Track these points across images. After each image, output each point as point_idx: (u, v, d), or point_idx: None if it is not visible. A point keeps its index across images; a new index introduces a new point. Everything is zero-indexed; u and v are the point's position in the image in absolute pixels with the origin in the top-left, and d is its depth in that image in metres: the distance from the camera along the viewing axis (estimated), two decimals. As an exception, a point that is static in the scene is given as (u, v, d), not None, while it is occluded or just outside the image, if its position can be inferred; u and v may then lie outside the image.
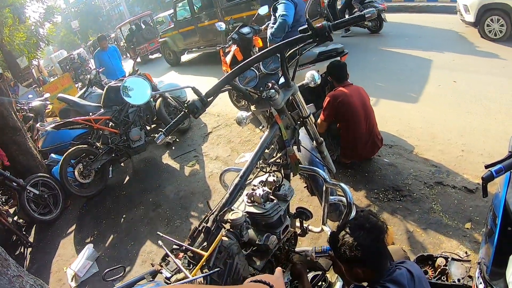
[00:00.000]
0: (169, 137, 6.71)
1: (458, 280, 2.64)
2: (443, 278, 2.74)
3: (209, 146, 6.19)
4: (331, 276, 2.70)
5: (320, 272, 2.49)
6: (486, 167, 1.94)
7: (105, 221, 5.13)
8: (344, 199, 2.27)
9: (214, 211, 1.85)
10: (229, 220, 1.85)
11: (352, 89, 3.99)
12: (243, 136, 5.95)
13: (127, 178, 6.14)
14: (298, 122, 2.35)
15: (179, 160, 6.10)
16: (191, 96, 7.79)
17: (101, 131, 5.73)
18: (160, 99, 6.33)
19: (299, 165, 2.26)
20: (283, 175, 2.09)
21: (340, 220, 2.68)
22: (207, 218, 1.84)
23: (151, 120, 6.44)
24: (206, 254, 1.68)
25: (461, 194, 3.62)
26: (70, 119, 5.49)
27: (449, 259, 2.80)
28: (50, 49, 40.83)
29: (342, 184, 2.11)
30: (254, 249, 2.06)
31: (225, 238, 1.80)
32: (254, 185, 2.07)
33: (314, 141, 2.72)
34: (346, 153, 4.19)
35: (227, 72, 5.48)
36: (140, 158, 6.46)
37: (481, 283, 1.98)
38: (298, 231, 2.46)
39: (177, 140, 6.69)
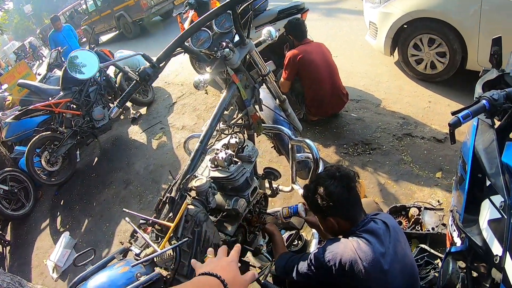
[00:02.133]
0: (134, 112, 6.61)
1: (432, 228, 2.69)
2: (417, 228, 2.79)
3: (175, 116, 6.08)
4: (306, 234, 2.70)
5: (293, 232, 2.49)
6: (453, 113, 1.89)
7: (78, 206, 5.01)
8: (310, 155, 2.23)
9: (177, 180, 1.78)
10: (193, 188, 1.79)
11: (313, 46, 3.94)
12: (208, 103, 5.85)
13: (96, 159, 5.96)
14: (258, 81, 2.27)
15: (145, 134, 5.98)
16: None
17: (63, 115, 5.48)
18: (120, 74, 6.16)
19: (262, 125, 2.20)
20: (245, 136, 2.03)
21: (308, 171, 2.67)
22: (170, 188, 1.78)
23: (114, 97, 6.23)
24: (172, 225, 1.62)
25: (430, 144, 3.66)
26: (29, 107, 5.24)
27: (422, 208, 2.84)
28: (5, 38, 39.01)
29: (307, 140, 2.07)
30: (224, 215, 2.02)
31: (191, 207, 1.75)
32: (217, 149, 2.01)
33: (277, 100, 2.65)
34: (311, 110, 4.14)
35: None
36: (106, 138, 6.27)
37: (454, 230, 1.98)
38: (269, 192, 2.43)
39: (141, 114, 6.58)
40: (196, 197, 1.83)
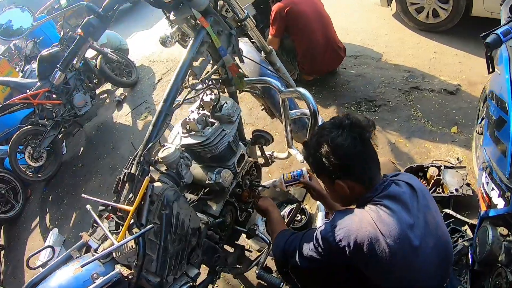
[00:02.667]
0: (118, 94, 6.29)
1: (456, 190, 2.38)
2: (439, 190, 2.48)
3: (161, 93, 5.60)
4: (311, 207, 2.33)
5: (294, 206, 2.11)
6: (483, 36, 1.55)
7: (66, 200, 4.72)
8: (306, 111, 1.84)
9: (137, 152, 1.39)
10: (159, 160, 1.41)
11: None
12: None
13: (82, 149, 5.65)
14: (235, 28, 1.84)
15: (131, 116, 5.61)
16: (135, 48, 7.24)
17: (43, 106, 5.12)
18: (100, 56, 5.78)
19: (245, 79, 1.79)
20: (219, 90, 1.61)
21: (306, 133, 2.27)
22: (130, 162, 1.38)
23: (97, 81, 5.97)
24: (131, 209, 1.24)
25: (441, 97, 3.41)
26: (6, 102, 4.94)
27: (441, 167, 2.53)
28: (-7, 43, 38.33)
29: (300, 89, 1.66)
30: (206, 192, 1.64)
31: (157, 184, 1.37)
32: (191, 112, 1.61)
33: (262, 52, 2.24)
34: (305, 67, 3.77)
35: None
36: (91, 125, 5.95)
37: (493, 189, 1.68)
38: (261, 161, 2.04)
39: (126, 96, 6.25)
40: (165, 171, 1.44)
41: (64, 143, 5.62)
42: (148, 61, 6.92)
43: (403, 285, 1.25)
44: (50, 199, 5.01)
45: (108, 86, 6.58)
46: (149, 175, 1.32)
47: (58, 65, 1.51)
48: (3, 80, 6.18)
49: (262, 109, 2.96)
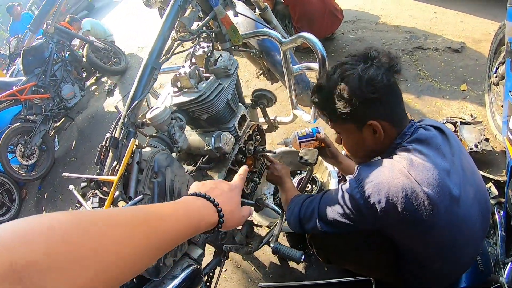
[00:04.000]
0: (108, 83, 6.12)
1: (475, 145, 2.22)
2: None
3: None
4: (321, 174, 2.13)
5: (304, 175, 1.91)
6: None
7: (61, 196, 4.54)
8: (311, 64, 1.63)
9: (121, 114, 1.18)
10: (147, 121, 1.20)
11: None
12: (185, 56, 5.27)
13: (74, 142, 5.44)
14: None
15: (122, 103, 5.36)
16: (120, 38, 7.05)
17: (30, 101, 4.98)
18: (86, 45, 5.60)
19: (241, 34, 1.57)
20: (213, 41, 1.39)
21: (310, 93, 2.07)
22: (114, 127, 1.17)
23: (86, 73, 5.82)
24: (115, 179, 1.03)
25: (446, 55, 3.31)
26: None
27: (457, 123, 2.37)
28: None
29: (304, 33, 1.44)
30: (205, 161, 1.43)
31: (147, 149, 1.16)
32: (182, 67, 1.39)
33: (257, 9, 2.03)
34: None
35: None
36: (83, 118, 5.75)
37: None
38: (265, 126, 1.84)
39: (116, 84, 6.07)
40: (155, 134, 1.24)
41: (56, 139, 5.48)
42: (137, 47, 6.77)
43: (443, 245, 1.07)
44: (45, 197, 4.83)
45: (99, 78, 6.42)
46: (136, 138, 1.11)
47: (28, 26, 1.30)
48: None
49: (260, 74, 2.75)
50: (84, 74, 5.77)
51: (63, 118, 5.30)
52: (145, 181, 1.07)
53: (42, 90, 5.04)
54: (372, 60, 1.10)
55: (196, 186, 0.82)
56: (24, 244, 0.38)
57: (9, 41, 7.39)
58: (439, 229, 1.01)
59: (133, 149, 1.07)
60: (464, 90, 2.88)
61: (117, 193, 1.03)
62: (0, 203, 4.77)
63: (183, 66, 1.35)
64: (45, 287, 0.37)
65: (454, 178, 1.03)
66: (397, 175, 1.01)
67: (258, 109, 1.80)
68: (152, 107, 1.26)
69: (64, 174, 1.35)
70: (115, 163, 1.10)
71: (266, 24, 2.02)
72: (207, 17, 1.45)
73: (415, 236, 1.05)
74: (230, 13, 1.58)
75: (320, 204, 1.21)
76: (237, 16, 1.65)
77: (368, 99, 1.08)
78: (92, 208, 1.10)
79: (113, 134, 1.13)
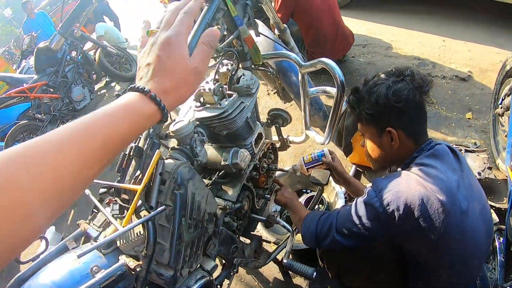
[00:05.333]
0: (118, 89, 6.17)
1: (479, 173, 2.27)
2: None
3: None
4: (328, 195, 2.16)
5: (313, 194, 1.94)
6: None
7: None
8: (328, 88, 1.68)
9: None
10: (171, 133, 1.24)
11: None
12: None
13: (80, 145, 5.46)
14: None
15: (131, 110, 5.43)
16: (133, 42, 7.09)
17: (40, 100, 5.03)
18: (99, 50, 5.62)
19: (262, 54, 1.62)
20: (238, 59, 1.44)
21: (326, 119, 2.11)
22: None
23: (95, 76, 5.93)
24: (139, 188, 1.06)
25: (453, 83, 3.34)
26: (1, 96, 4.81)
27: (462, 151, 2.43)
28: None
29: (324, 59, 1.49)
30: (221, 175, 1.46)
31: (169, 161, 1.19)
32: (206, 83, 1.43)
33: (276, 29, 2.08)
34: (315, 56, 3.52)
35: (165, 3, 4.69)
36: (90, 121, 5.77)
37: None
38: (277, 144, 1.87)
39: (126, 90, 6.00)
40: (177, 147, 1.27)
41: None
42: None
43: (453, 253, 1.13)
44: None
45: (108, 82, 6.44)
46: (159, 149, 1.14)
47: (57, 29, 1.34)
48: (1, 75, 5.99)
49: (274, 92, 2.79)
50: (94, 77, 5.82)
51: (71, 120, 5.27)
52: (167, 192, 1.10)
53: (52, 90, 5.09)
54: (405, 76, 1.23)
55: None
56: None
57: (23, 38, 7.44)
58: (450, 237, 1.08)
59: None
60: (469, 118, 2.93)
61: (139, 202, 1.06)
62: None
63: (207, 82, 1.40)
64: None
65: (463, 191, 1.11)
66: (414, 184, 1.09)
67: (272, 128, 1.85)
68: (175, 119, 1.30)
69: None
70: (138, 172, 1.12)
71: (284, 45, 2.07)
72: (232, 36, 1.49)
73: (428, 243, 1.10)
74: (252, 33, 1.63)
75: (337, 218, 1.27)
76: (259, 36, 1.70)
77: (391, 107, 1.21)
78: (113, 215, 1.13)
79: (137, 144, 1.16)
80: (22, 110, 5.24)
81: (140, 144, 1.16)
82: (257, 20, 2.05)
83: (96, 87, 6.04)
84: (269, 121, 1.75)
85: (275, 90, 2.61)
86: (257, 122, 1.60)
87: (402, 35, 4.23)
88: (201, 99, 1.37)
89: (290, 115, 1.72)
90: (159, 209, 1.03)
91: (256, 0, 1.77)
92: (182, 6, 0.69)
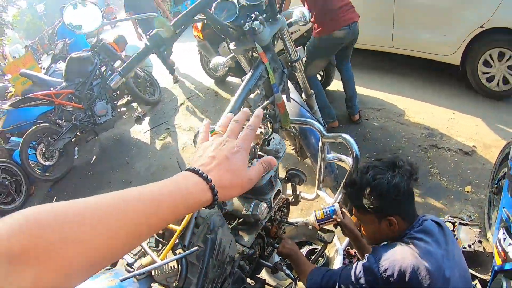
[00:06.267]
0: (139, 111, 6.33)
1: (469, 245, 2.43)
2: None
3: (182, 117, 5.80)
4: (328, 250, 2.35)
5: (316, 247, 2.13)
6: None
7: None
8: (343, 157, 1.90)
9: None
10: None
11: None
12: (218, 105, 5.57)
13: (94, 157, 5.66)
14: (286, 66, 1.93)
15: (149, 134, 5.70)
16: (158, 68, 7.23)
17: (63, 107, 5.23)
18: None
19: (290, 118, 1.86)
20: (272, 125, 1.67)
21: (336, 184, 2.32)
22: None
23: (118, 93, 6.08)
24: (178, 228, 1.27)
25: (457, 156, 3.52)
26: (29, 95, 4.99)
27: (456, 224, 2.58)
28: (16, 36, 39.03)
29: (345, 135, 1.72)
30: (240, 222, 1.67)
31: (202, 208, 1.40)
32: None
33: (303, 93, 2.32)
34: (324, 25, 3.65)
35: (199, 38, 4.97)
36: (107, 136, 6.05)
37: (510, 244, 1.80)
38: (290, 198, 2.08)
39: (146, 113, 6.31)
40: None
41: (76, 148, 5.64)
42: (172, 83, 6.93)
43: None
44: (54, 201, 4.92)
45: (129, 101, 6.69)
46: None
47: (119, 70, 1.54)
48: (27, 73, 6.22)
49: (292, 149, 3.01)
50: (116, 94, 6.02)
51: (89, 132, 5.50)
52: (199, 235, 1.31)
53: (77, 100, 5.30)
54: (399, 168, 1.42)
55: (193, 159, 0.76)
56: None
57: (56, 43, 7.73)
58: None
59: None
60: (468, 192, 3.08)
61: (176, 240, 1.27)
62: (7, 192, 4.94)
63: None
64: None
65: (447, 262, 1.31)
66: (407, 255, 1.30)
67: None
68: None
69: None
70: None
71: (309, 109, 2.31)
72: (268, 101, 1.74)
73: None
74: (284, 98, 1.87)
75: (341, 276, 1.46)
76: (289, 102, 1.94)
77: (391, 199, 1.39)
78: (149, 247, 1.33)
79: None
80: (43, 111, 5.55)
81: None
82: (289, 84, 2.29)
83: (117, 103, 6.26)
84: (286, 178, 1.96)
85: (294, 147, 2.83)
86: (278, 179, 1.81)
87: (415, 104, 4.45)
88: (236, 156, 1.59)
89: (306, 176, 1.93)
90: (193, 249, 1.24)
91: (291, 69, 2.02)
92: (243, 117, 0.82)
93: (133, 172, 4.83)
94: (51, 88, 5.38)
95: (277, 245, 1.85)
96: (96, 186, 4.82)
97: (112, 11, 22.26)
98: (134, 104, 6.68)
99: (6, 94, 7.95)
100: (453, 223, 2.58)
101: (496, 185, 2.61)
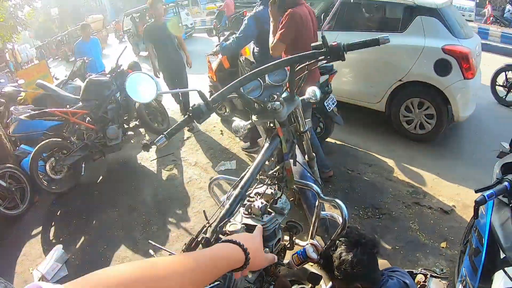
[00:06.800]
0: (147, 138, 6.64)
1: None
2: None
3: (188, 151, 6.04)
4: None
5: (305, 286, 2.48)
6: (477, 191, 2.08)
7: (75, 221, 4.82)
8: (335, 214, 2.27)
9: (213, 222, 1.80)
10: (227, 232, 1.81)
11: (305, 8, 3.88)
12: (223, 144, 5.82)
13: (101, 177, 5.94)
14: (296, 136, 2.34)
15: (156, 163, 5.93)
16: (168, 99, 7.55)
17: (77, 126, 5.49)
18: None
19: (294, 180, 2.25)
20: (282, 189, 2.07)
21: (327, 235, 2.69)
22: (205, 228, 1.79)
23: (128, 118, 6.23)
24: None
25: (437, 215, 3.85)
26: (47, 109, 5.19)
27: (428, 275, 2.89)
28: (26, 35, 39.47)
29: (338, 200, 2.09)
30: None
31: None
32: (251, 197, 2.04)
33: (306, 156, 2.72)
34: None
35: (212, 78, 5.37)
36: (114, 157, 6.27)
37: None
38: (287, 243, 2.44)
39: (154, 142, 6.48)
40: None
41: (83, 165, 5.74)
42: (180, 114, 7.22)
43: None
44: (58, 214, 5.15)
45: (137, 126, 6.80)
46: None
47: (164, 133, 1.86)
48: (44, 85, 6.47)
49: (290, 200, 3.39)
50: (126, 118, 6.21)
51: (99, 153, 5.70)
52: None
53: (90, 120, 5.55)
54: (362, 246, 1.79)
55: (226, 237, 1.10)
56: None
57: (76, 61, 7.98)
58: None
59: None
60: (443, 247, 3.38)
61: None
62: (12, 197, 5.06)
63: (255, 200, 1.99)
64: None
65: None
66: None
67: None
68: (230, 221, 1.88)
69: (150, 241, 1.94)
70: None
71: (309, 170, 2.71)
72: (278, 167, 2.13)
73: None
74: (291, 162, 2.26)
75: None
76: (295, 165, 2.33)
77: (358, 271, 1.73)
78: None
79: (206, 235, 1.74)
80: (54, 124, 5.76)
81: (207, 236, 1.74)
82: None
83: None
84: (286, 227, 2.33)
85: (292, 198, 3.22)
86: (280, 230, 2.18)
87: (404, 162, 4.84)
88: (249, 210, 1.96)
89: (302, 227, 2.30)
90: (215, 283, 1.59)
91: (299, 138, 2.43)
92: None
93: (139, 198, 5.04)
94: (67, 106, 5.69)
95: (273, 283, 2.21)
96: (102, 207, 4.97)
97: (120, 28, 22.64)
98: (142, 130, 6.98)
99: (17, 97, 7.96)
100: (425, 275, 2.89)
101: (464, 245, 2.89)
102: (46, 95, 6.50)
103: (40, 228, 4.92)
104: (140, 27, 15.45)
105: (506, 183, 1.98)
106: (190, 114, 1.88)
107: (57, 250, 4.23)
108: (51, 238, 4.71)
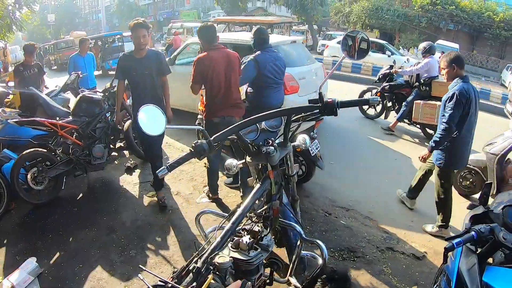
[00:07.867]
0: (131, 161, 6.57)
1: None
2: None
3: (171, 179, 5.96)
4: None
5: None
6: (447, 239, 2.29)
7: (51, 235, 4.67)
8: (315, 255, 2.42)
9: (204, 253, 1.92)
10: (216, 264, 1.93)
11: (220, 52, 4.45)
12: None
13: (81, 195, 5.81)
14: (283, 179, 2.52)
15: (138, 187, 5.86)
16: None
17: (63, 139, 5.48)
18: (130, 121, 6.22)
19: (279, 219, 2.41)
20: (268, 227, 2.22)
21: (303, 274, 2.83)
22: (196, 258, 1.91)
23: (113, 139, 6.24)
24: None
25: (409, 260, 4.02)
26: (36, 119, 5.19)
27: None
28: (19, 36, 39.19)
29: (319, 241, 2.26)
30: None
31: (212, 282, 1.87)
32: (238, 232, 2.17)
33: (291, 198, 2.87)
34: (211, 111, 4.69)
35: (203, 111, 5.55)
36: (96, 176, 6.19)
37: None
38: (266, 279, 2.57)
39: (137, 165, 6.54)
40: (217, 272, 1.96)
41: (64, 179, 5.62)
42: (165, 143, 7.12)
43: None
44: (33, 226, 4.98)
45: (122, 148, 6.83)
46: (211, 275, 1.83)
47: (167, 165, 1.93)
48: (35, 92, 6.44)
49: (273, 238, 3.53)
50: (113, 138, 6.23)
51: (83, 170, 5.67)
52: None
53: (78, 136, 5.56)
54: (337, 282, 2.05)
55: None
56: None
57: (70, 74, 8.02)
58: None
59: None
60: None
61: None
62: None
63: (243, 235, 2.12)
64: None
65: None
66: None
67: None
68: (218, 253, 2.00)
69: (140, 266, 2.04)
70: (194, 284, 1.79)
71: (293, 211, 2.86)
72: (266, 206, 2.29)
73: None
74: (277, 202, 2.42)
75: None
76: (281, 206, 2.49)
77: None
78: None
79: (197, 265, 1.85)
80: (40, 134, 5.56)
81: (199, 265, 1.85)
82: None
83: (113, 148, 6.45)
84: (268, 263, 2.46)
85: (273, 236, 3.36)
86: (262, 266, 2.31)
87: (381, 209, 5.11)
88: (237, 244, 2.09)
89: (283, 264, 2.44)
90: None
91: (286, 181, 2.61)
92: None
93: (119, 221, 4.91)
94: (57, 118, 5.69)
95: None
96: (80, 225, 4.85)
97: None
98: (126, 152, 6.94)
99: (5, 99, 7.48)
100: None
101: None
102: (35, 102, 6.38)
103: (13, 237, 4.76)
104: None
105: (473, 233, 2.17)
106: (192, 150, 2.01)
107: (31, 263, 4.09)
108: (24, 249, 4.49)
